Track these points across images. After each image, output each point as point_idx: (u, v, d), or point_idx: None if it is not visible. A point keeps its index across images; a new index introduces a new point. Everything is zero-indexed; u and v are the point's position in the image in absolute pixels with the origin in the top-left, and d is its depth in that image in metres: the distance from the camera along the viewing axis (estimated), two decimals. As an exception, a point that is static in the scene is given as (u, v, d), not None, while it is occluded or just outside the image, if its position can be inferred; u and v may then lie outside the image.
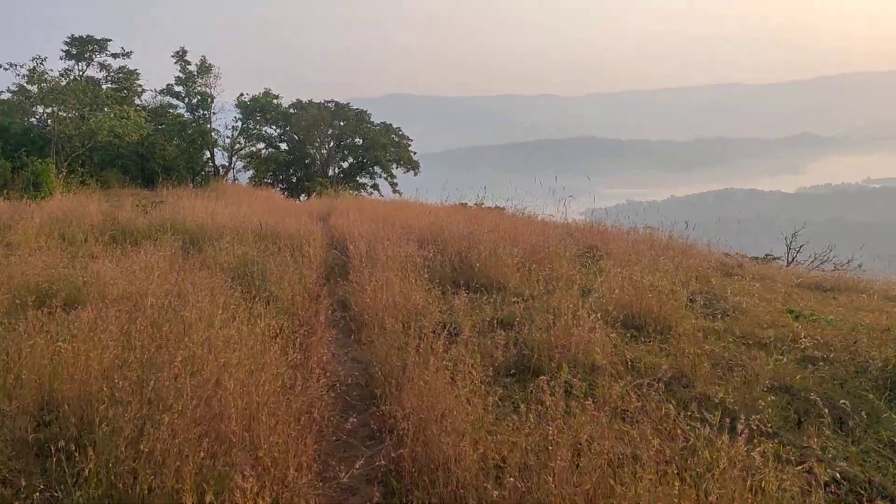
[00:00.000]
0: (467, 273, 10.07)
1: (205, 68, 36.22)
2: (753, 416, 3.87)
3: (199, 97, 36.33)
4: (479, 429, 4.24)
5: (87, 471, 3.87)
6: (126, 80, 33.90)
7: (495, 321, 7.06)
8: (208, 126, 36.55)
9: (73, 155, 27.37)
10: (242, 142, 38.75)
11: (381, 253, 10.47)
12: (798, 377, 5.79)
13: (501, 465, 3.98)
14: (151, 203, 18.50)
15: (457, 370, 4.96)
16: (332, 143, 43.11)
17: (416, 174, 43.18)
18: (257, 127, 39.53)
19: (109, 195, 23.48)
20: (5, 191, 20.71)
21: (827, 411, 4.71)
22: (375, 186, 43.22)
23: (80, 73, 32.43)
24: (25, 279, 8.44)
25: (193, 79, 36.10)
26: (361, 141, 43.13)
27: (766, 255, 16.99)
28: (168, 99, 36.62)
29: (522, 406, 4.25)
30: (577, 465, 3.66)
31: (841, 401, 4.85)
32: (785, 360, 6.10)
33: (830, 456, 4.27)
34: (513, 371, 5.96)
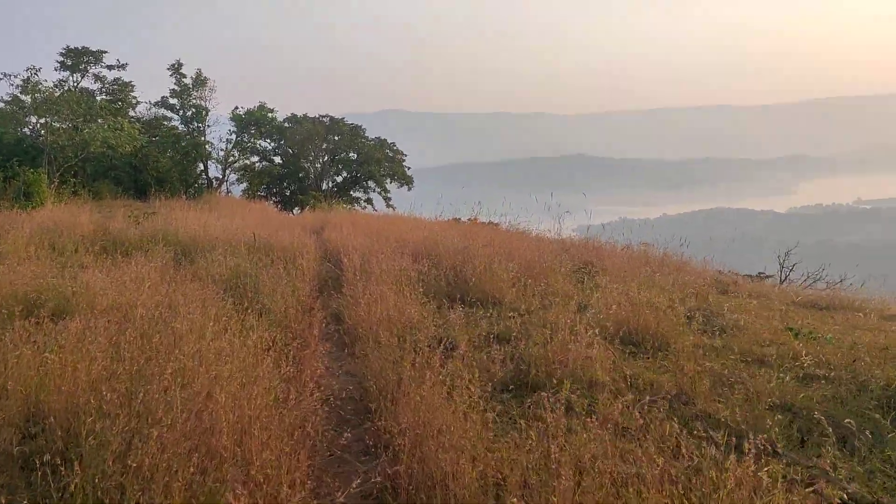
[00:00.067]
0: (462, 287, 9.97)
1: (200, 81, 36.19)
2: (759, 436, 3.76)
3: (193, 110, 36.25)
4: (478, 445, 4.12)
5: (73, 485, 3.74)
6: (121, 92, 33.82)
7: (491, 336, 6.96)
8: (202, 138, 36.45)
9: (65, 165, 27.20)
10: (236, 155, 38.67)
11: (376, 266, 10.37)
12: (801, 396, 5.69)
13: (502, 483, 3.86)
14: (143, 214, 18.35)
15: (454, 385, 4.85)
16: (326, 158, 43.06)
17: (409, 189, 43.15)
18: (252, 140, 39.47)
19: (101, 206, 23.31)
20: (-4, 200, 20.53)
21: (831, 430, 4.61)
22: (369, 201, 43.17)
23: (75, 84, 32.34)
24: (13, 289, 8.30)
25: (188, 91, 36.05)
26: (356, 155, 43.10)
27: (759, 273, 17.00)
28: (163, 111, 36.55)
29: (522, 423, 4.14)
30: (580, 485, 3.55)
31: (846, 420, 4.76)
32: (787, 378, 6.01)
33: (840, 477, 4.17)
34: (510, 386, 5.85)
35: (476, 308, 8.73)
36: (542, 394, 4.56)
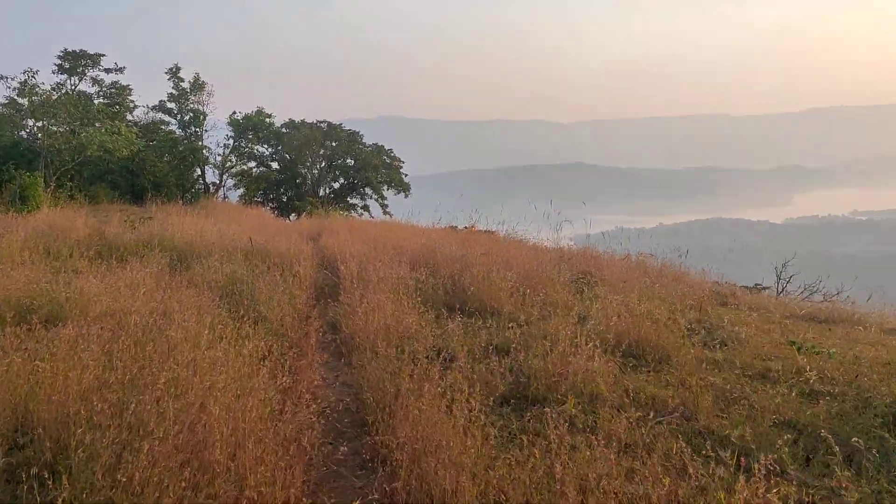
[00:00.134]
0: (460, 296, 9.88)
1: (198, 85, 36.11)
2: (768, 456, 3.66)
3: (191, 114, 36.17)
4: (479, 463, 4.01)
5: (60, 500, 3.62)
6: (118, 96, 33.70)
7: (490, 347, 6.85)
8: (200, 143, 36.34)
9: (62, 169, 27.07)
10: (234, 160, 38.56)
11: (373, 274, 10.27)
12: (808, 413, 5.59)
13: (503, 501, 3.76)
14: (140, 219, 18.23)
15: (453, 398, 4.74)
16: (323, 164, 42.98)
17: (406, 196, 43.08)
18: (249, 145, 39.37)
19: (97, 210, 23.18)
20: (-9, 204, 20.41)
21: (838, 449, 4.51)
22: (366, 207, 43.09)
23: (73, 87, 32.22)
24: (6, 294, 8.18)
25: (186, 96, 35.96)
26: (353, 162, 43.04)
27: (756, 284, 16.95)
28: (160, 115, 36.45)
29: (524, 438, 4.03)
30: (585, 505, 3.45)
31: (853, 439, 4.66)
32: (793, 394, 5.91)
33: (854, 500, 4.06)
34: (511, 400, 5.75)
35: (474, 318, 8.63)
36: (545, 409, 4.46)
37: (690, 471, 3.63)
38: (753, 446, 4.45)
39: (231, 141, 38.15)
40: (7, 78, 28.17)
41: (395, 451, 4.40)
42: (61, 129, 27.26)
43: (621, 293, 9.86)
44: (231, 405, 4.48)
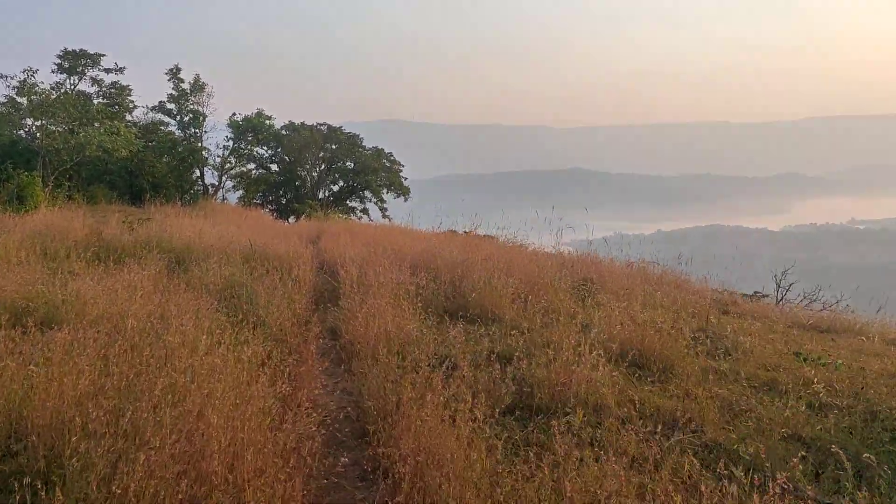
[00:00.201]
0: (461, 302, 9.78)
1: (198, 86, 36.03)
2: (783, 473, 3.57)
3: (191, 115, 36.08)
4: (484, 478, 3.90)
5: (53, 511, 3.52)
6: (118, 96, 33.58)
7: (493, 355, 6.76)
8: (199, 144, 36.25)
9: (60, 169, 26.94)
10: (233, 161, 38.47)
11: (373, 279, 10.17)
12: (819, 427, 5.50)
13: (509, 518, 3.66)
14: (138, 220, 18.11)
15: (457, 409, 4.63)
16: (322, 166, 42.92)
17: (406, 200, 43.02)
18: (249, 147, 39.28)
19: (95, 211, 23.04)
20: (-12, 203, 20.27)
21: (849, 465, 4.41)
22: (365, 211, 43.02)
23: (72, 87, 32.11)
24: (2, 295, 8.06)
25: (186, 97, 35.88)
26: (353, 165, 42.98)
27: (756, 292, 16.89)
28: (160, 116, 36.36)
29: (530, 452, 3.92)
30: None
31: (864, 455, 4.56)
32: (802, 407, 5.82)
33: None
34: (515, 411, 5.64)
35: (476, 324, 8.54)
36: (550, 420, 4.36)
37: (703, 488, 3.53)
38: (769, 464, 4.35)
39: (230, 142, 38.09)
40: (6, 77, 28.07)
41: (397, 462, 4.29)
42: (60, 129, 27.14)
43: (623, 300, 9.77)
44: (230, 414, 4.38)
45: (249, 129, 38.38)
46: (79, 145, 26.56)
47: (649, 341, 7.50)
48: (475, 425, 4.44)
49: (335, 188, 43.80)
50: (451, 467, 3.93)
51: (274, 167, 41.96)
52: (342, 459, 4.68)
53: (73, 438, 4.05)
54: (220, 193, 37.73)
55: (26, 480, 3.71)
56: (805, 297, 16.37)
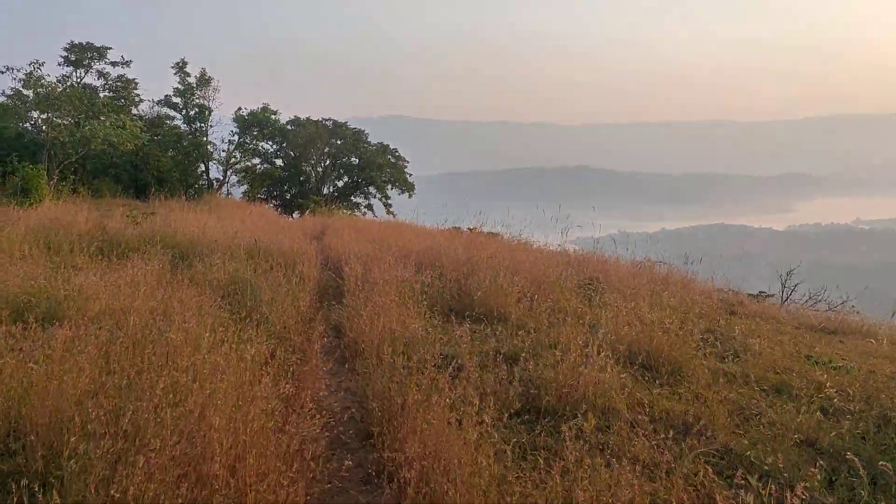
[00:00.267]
0: (466, 301, 9.68)
1: (204, 81, 35.96)
2: (800, 484, 3.47)
3: (196, 109, 36.02)
4: (492, 486, 3.80)
5: (50, 514, 3.43)
6: (124, 89, 33.53)
7: (499, 355, 6.66)
8: (204, 139, 36.19)
9: (65, 162, 26.89)
10: (238, 156, 38.41)
11: (378, 276, 10.08)
12: (833, 434, 5.38)
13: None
14: (142, 214, 18.04)
15: (463, 412, 4.53)
16: (327, 162, 42.83)
17: (410, 196, 42.89)
18: (254, 142, 39.20)
19: (100, 204, 23.00)
20: (-7, 196, 20.25)
21: (865, 472, 4.31)
22: (370, 206, 42.90)
23: (78, 80, 32.06)
24: (3, 290, 7.98)
25: (192, 91, 35.81)
26: (357, 160, 42.85)
27: (761, 292, 16.79)
28: (165, 110, 36.29)
29: (540, 458, 3.83)
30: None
31: (881, 462, 4.45)
32: (816, 413, 5.70)
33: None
34: (522, 413, 5.54)
35: (482, 324, 8.44)
36: (557, 423, 4.27)
37: (718, 498, 3.42)
38: (787, 474, 4.24)
39: (236, 137, 38.03)
40: (13, 69, 28.01)
41: (402, 467, 4.20)
42: (65, 122, 27.09)
43: (630, 300, 9.66)
44: (232, 415, 4.29)
45: (255, 124, 38.31)
46: (84, 139, 26.50)
47: (657, 342, 7.40)
48: (482, 429, 4.34)
49: (340, 184, 43.71)
50: (458, 473, 3.83)
51: (279, 162, 41.88)
52: (346, 463, 4.59)
53: (72, 439, 3.97)
54: (224, 188, 37.70)
55: (24, 482, 3.64)
56: (810, 298, 16.28)
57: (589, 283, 12.10)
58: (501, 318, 9.05)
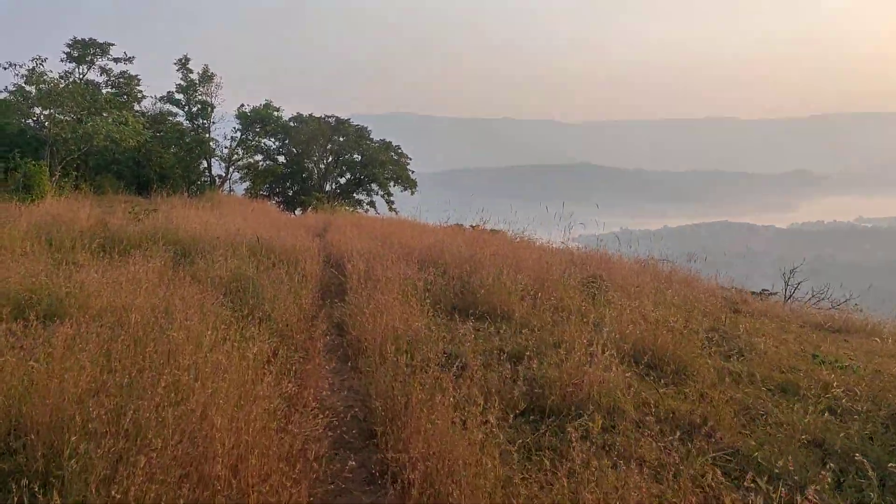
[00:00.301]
0: (470, 299, 9.64)
1: (206, 77, 35.89)
2: (809, 485, 3.42)
3: (199, 106, 35.96)
4: (497, 488, 3.75)
5: (50, 515, 3.39)
6: (127, 86, 33.46)
7: (503, 354, 6.61)
8: (207, 135, 36.13)
9: (67, 158, 26.86)
10: (240, 153, 38.34)
11: (381, 273, 10.04)
12: (842, 435, 5.33)
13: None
14: (144, 211, 18.00)
15: (468, 412, 4.49)
16: (330, 158, 42.79)
17: (413, 193, 42.84)
18: (256, 138, 39.14)
19: (102, 201, 22.98)
20: (-5, 192, 20.22)
21: (874, 474, 4.25)
22: (372, 203, 42.86)
23: (81, 76, 32.00)
24: (5, 287, 7.95)
25: (195, 87, 35.74)
26: (360, 157, 42.81)
27: (764, 290, 16.76)
28: (168, 106, 36.23)
29: (545, 459, 3.78)
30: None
31: (890, 464, 4.40)
32: (824, 413, 5.65)
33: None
34: (527, 413, 5.49)
35: (485, 322, 8.39)
36: (562, 422, 4.22)
37: (726, 501, 3.38)
38: (797, 477, 4.19)
39: (238, 133, 37.96)
40: (15, 65, 27.97)
41: (406, 467, 4.15)
42: (68, 118, 27.05)
43: (634, 298, 9.62)
44: (234, 414, 4.25)
45: (257, 121, 38.26)
46: (87, 135, 26.45)
47: (662, 341, 7.35)
48: (487, 429, 4.30)
49: (342, 180, 43.67)
50: (462, 474, 3.79)
51: (281, 159, 41.83)
52: (350, 463, 4.54)
53: (73, 438, 3.93)
54: (226, 185, 37.66)
55: (24, 481, 3.60)
56: (814, 296, 16.25)
57: (592, 281, 12.05)
58: (505, 316, 9.00)
